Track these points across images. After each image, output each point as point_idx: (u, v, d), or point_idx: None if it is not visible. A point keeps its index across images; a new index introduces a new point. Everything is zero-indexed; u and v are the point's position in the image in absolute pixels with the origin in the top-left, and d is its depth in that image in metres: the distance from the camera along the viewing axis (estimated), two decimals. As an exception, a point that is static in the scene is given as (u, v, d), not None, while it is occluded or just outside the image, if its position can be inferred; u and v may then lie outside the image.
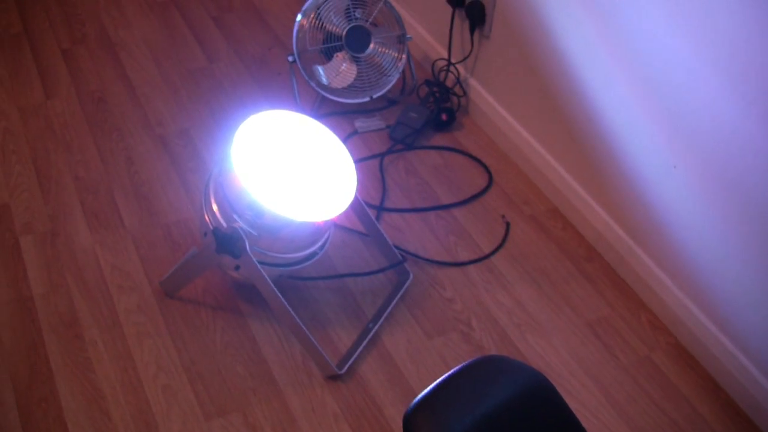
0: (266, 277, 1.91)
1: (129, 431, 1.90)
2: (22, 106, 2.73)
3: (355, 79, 2.70)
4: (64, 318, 2.11)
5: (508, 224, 2.46)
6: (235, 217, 1.89)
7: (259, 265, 1.90)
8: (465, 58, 2.76)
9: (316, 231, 2.01)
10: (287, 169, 1.93)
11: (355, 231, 2.37)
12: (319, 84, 2.70)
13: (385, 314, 2.17)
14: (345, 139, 2.70)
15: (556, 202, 2.52)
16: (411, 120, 2.72)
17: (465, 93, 2.82)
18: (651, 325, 2.22)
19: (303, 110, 2.76)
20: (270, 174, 1.89)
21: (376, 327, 2.14)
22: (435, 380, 2.02)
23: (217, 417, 1.94)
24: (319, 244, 2.07)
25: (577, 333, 2.18)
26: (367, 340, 2.10)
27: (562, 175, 2.47)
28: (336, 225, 2.35)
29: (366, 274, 2.27)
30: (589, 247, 2.41)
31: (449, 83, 2.84)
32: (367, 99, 2.75)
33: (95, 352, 2.05)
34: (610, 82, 2.17)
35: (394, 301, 2.20)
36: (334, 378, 2.04)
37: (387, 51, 2.72)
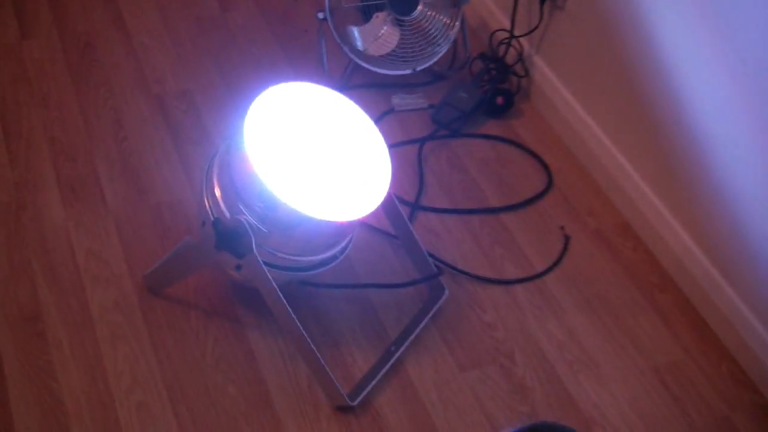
0: (273, 283, 1.87)
1: (92, 456, 1.87)
2: (-10, 45, 2.70)
3: (396, 47, 2.65)
4: (24, 310, 2.08)
5: (567, 238, 2.41)
6: (242, 207, 1.85)
7: (265, 268, 1.86)
8: (531, 31, 2.70)
9: (338, 231, 1.97)
10: (310, 155, 1.88)
11: (383, 231, 2.32)
12: (353, 49, 2.65)
13: (412, 337, 2.12)
14: (378, 118, 2.65)
15: (628, 215, 2.47)
16: (459, 101, 2.67)
17: (527, 73, 2.77)
18: (733, 378, 2.17)
19: (331, 78, 2.71)
20: (288, 159, 1.84)
21: (400, 351, 2.09)
22: (464, 423, 1.99)
23: (199, 447, 1.91)
24: (340, 246, 2.02)
25: (642, 379, 2.13)
26: (387, 366, 2.06)
27: (638, 184, 2.41)
28: (361, 223, 2.30)
29: (393, 286, 2.23)
30: (663, 275, 2.36)
31: (509, 60, 2.78)
32: (409, 71, 2.71)
33: (59, 355, 2.01)
34: (711, 77, 2.11)
35: (424, 322, 2.15)
36: (344, 410, 1.99)
37: (437, 15, 2.66)
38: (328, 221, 1.84)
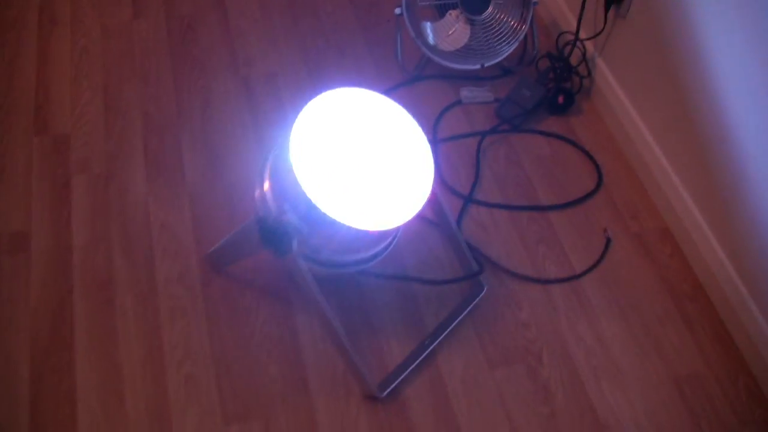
0: (311, 283, 1.75)
1: (140, 422, 1.81)
2: (106, 23, 2.62)
3: (466, 43, 2.48)
4: (99, 277, 2.03)
5: (608, 240, 2.23)
6: (286, 207, 1.73)
7: (305, 270, 1.74)
8: (595, 35, 2.50)
9: (381, 233, 1.84)
10: (355, 161, 1.73)
11: (429, 220, 2.19)
12: (426, 43, 2.49)
13: (447, 331, 2.00)
14: (446, 109, 2.49)
15: (669, 221, 2.28)
16: (523, 98, 2.49)
17: (590, 73, 2.56)
18: (748, 393, 1.98)
19: (405, 69, 2.56)
20: (333, 167, 1.69)
21: (433, 345, 1.97)
22: (485, 419, 1.86)
23: (236, 422, 1.83)
24: (384, 244, 1.89)
25: (661, 389, 1.97)
26: (419, 360, 1.95)
27: (680, 192, 2.22)
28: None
29: (434, 282, 2.09)
30: (695, 284, 2.17)
31: (574, 61, 2.57)
32: (477, 66, 2.53)
33: (123, 322, 1.96)
34: (763, 99, 1.90)
35: (460, 317, 2.02)
36: (373, 399, 1.89)
37: (507, 18, 2.48)
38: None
